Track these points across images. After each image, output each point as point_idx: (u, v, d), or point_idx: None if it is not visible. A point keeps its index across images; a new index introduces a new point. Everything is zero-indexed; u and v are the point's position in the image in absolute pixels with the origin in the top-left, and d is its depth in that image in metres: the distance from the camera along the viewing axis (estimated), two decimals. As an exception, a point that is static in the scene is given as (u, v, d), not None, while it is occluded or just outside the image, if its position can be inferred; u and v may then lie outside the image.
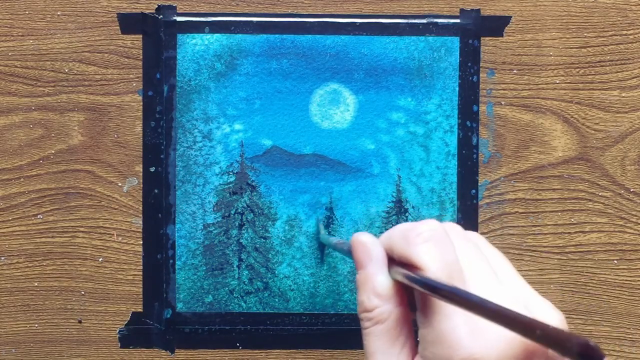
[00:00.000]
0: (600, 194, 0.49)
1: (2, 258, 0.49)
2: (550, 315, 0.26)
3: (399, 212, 0.49)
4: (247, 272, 0.49)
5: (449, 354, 0.24)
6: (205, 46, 0.49)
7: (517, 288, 0.27)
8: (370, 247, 0.28)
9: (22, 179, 0.49)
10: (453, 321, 0.25)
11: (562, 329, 0.18)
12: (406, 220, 0.49)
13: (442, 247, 0.26)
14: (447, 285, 0.24)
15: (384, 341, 0.27)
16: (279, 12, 0.49)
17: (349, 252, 0.33)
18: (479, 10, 0.49)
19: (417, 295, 0.26)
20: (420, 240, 0.26)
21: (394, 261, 0.28)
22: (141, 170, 0.49)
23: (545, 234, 0.49)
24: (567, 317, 0.49)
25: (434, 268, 0.25)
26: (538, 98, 0.49)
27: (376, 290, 0.27)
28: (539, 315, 0.26)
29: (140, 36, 0.49)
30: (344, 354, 0.49)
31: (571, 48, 0.49)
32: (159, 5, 0.49)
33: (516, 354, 0.24)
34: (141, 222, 0.49)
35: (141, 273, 0.49)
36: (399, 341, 0.27)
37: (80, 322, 0.49)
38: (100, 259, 0.49)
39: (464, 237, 0.28)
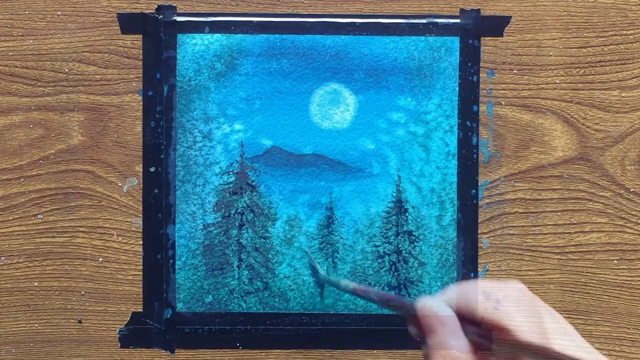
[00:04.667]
0: (600, 194, 0.49)
1: (2, 258, 0.49)
2: None
3: (399, 212, 0.49)
4: (247, 272, 0.49)
5: None
6: (205, 46, 0.49)
7: (583, 344, 0.28)
8: (440, 311, 0.29)
9: (22, 179, 0.49)
10: None
11: None
12: (406, 221, 0.49)
13: (530, 312, 0.27)
14: (546, 347, 0.24)
15: None
16: (279, 12, 0.49)
17: (382, 303, 0.33)
18: (479, 10, 0.49)
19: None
20: (509, 302, 0.27)
21: (464, 321, 0.28)
22: (141, 170, 0.49)
23: (545, 234, 0.49)
24: (567, 317, 0.49)
25: (524, 330, 0.26)
26: (538, 98, 0.49)
27: (454, 355, 0.27)
28: None
29: (140, 36, 0.49)
30: (344, 354, 0.49)
31: (571, 48, 0.49)
32: (159, 5, 0.49)
33: None
34: (141, 222, 0.49)
35: (141, 273, 0.49)
36: None
37: (80, 322, 0.49)
38: (100, 259, 0.49)
39: (543, 305, 0.29)
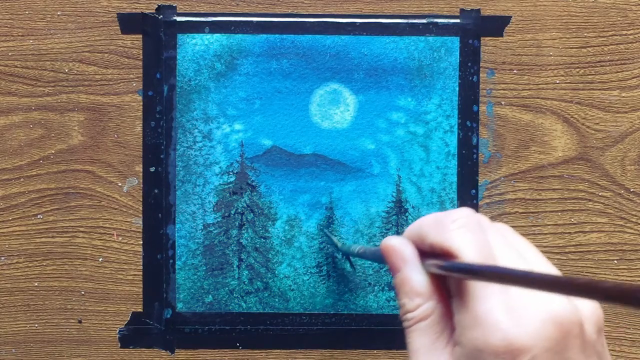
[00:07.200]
0: (600, 194, 0.49)
1: (2, 258, 0.49)
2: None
3: (399, 212, 0.49)
4: (247, 272, 0.49)
5: (486, 337, 0.24)
6: (205, 46, 0.49)
7: (547, 272, 0.27)
8: (401, 249, 0.29)
9: (22, 179, 0.49)
10: (489, 303, 0.25)
11: (624, 283, 0.18)
12: (406, 221, 0.49)
13: (476, 233, 0.27)
14: (488, 265, 0.24)
15: (428, 337, 0.27)
16: (279, 12, 0.49)
17: (373, 257, 0.33)
18: (479, 10, 0.49)
19: (453, 283, 0.27)
20: (455, 226, 0.27)
21: (424, 255, 0.28)
22: (141, 170, 0.49)
23: (545, 234, 0.49)
24: (567, 317, 0.49)
25: (469, 252, 0.26)
26: (538, 98, 0.49)
27: (415, 290, 0.28)
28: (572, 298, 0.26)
29: (140, 36, 0.49)
30: (344, 354, 0.49)
31: (571, 48, 0.49)
32: (159, 5, 0.49)
33: (551, 333, 0.24)
34: (141, 222, 0.49)
35: (141, 273, 0.49)
36: (444, 336, 0.27)
37: (80, 322, 0.49)
38: (100, 259, 0.49)
39: (492, 226, 0.29)
